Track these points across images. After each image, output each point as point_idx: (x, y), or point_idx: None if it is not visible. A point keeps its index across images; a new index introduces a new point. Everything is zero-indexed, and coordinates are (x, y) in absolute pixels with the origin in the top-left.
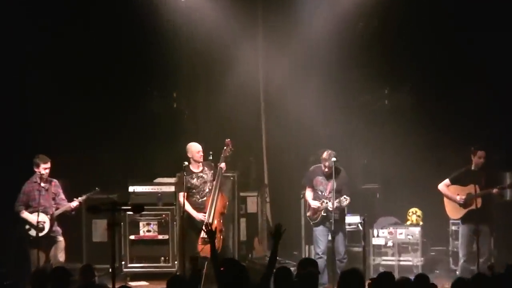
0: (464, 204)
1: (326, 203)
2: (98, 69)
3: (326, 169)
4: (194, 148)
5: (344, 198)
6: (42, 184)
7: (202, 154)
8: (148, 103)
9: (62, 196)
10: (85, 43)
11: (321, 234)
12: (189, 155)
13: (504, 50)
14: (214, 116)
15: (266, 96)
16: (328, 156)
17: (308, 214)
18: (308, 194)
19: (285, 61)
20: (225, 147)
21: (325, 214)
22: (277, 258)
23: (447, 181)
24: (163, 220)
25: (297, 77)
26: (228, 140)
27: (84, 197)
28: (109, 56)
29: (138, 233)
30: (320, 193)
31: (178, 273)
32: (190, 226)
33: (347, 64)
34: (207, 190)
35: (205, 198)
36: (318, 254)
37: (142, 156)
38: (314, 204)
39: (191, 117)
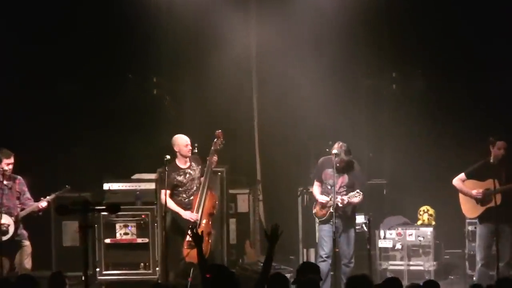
0: (482, 201)
1: (336, 198)
2: (69, 53)
3: (338, 164)
4: (181, 141)
5: (357, 192)
6: (5, 182)
7: (191, 148)
8: (125, 89)
9: (28, 195)
10: (54, 25)
11: (326, 235)
12: (176, 148)
13: None
14: (200, 103)
15: (259, 82)
16: (339, 150)
17: (314, 210)
18: (316, 189)
19: (280, 42)
20: (215, 139)
21: (333, 211)
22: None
23: (462, 175)
24: (142, 222)
25: (294, 60)
26: (219, 131)
27: (53, 196)
28: (81, 39)
29: (114, 236)
30: (329, 187)
31: (160, 281)
32: (174, 227)
33: (349, 44)
34: (194, 188)
35: (192, 198)
36: (322, 257)
37: (118, 150)
38: (322, 198)
39: (173, 105)
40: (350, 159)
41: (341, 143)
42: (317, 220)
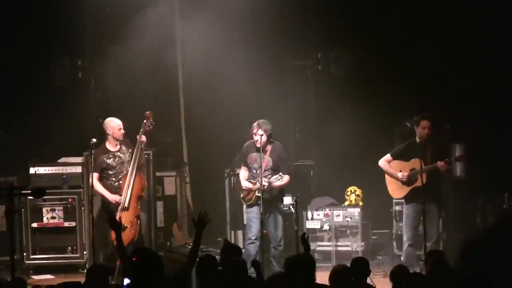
0: (407, 182)
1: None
2: None
3: (258, 144)
4: (114, 124)
5: (280, 175)
6: None
7: (123, 132)
8: (49, 72)
9: None
10: None
11: (254, 216)
12: (108, 131)
13: (455, 8)
14: (126, 86)
15: (184, 64)
16: (256, 126)
17: (241, 195)
18: (242, 173)
19: (205, 25)
20: (144, 121)
21: (259, 194)
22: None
23: (388, 156)
24: (69, 205)
25: (220, 43)
26: (148, 112)
27: None
28: (2, 22)
29: (41, 221)
30: (255, 171)
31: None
32: (103, 210)
33: (275, 26)
34: (124, 171)
35: (122, 182)
36: (250, 239)
37: (44, 133)
38: (245, 185)
39: (99, 88)
40: (272, 140)
41: (261, 120)
42: (244, 203)
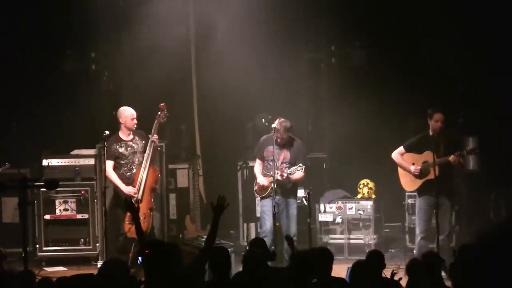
0: (420, 175)
1: (277, 174)
2: (4, 29)
3: (279, 140)
4: (128, 113)
5: (299, 166)
6: None
7: (136, 122)
8: (63, 64)
9: None
10: None
11: (268, 210)
12: (121, 120)
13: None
14: (139, 78)
15: (197, 55)
16: (279, 126)
17: (255, 188)
18: (257, 167)
19: (219, 18)
20: (159, 112)
21: (274, 186)
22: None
23: (401, 148)
24: (82, 197)
25: (233, 35)
26: (162, 104)
27: None
28: (17, 15)
29: (54, 213)
30: (271, 164)
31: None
32: (115, 203)
33: (289, 18)
34: (136, 162)
35: (134, 171)
36: (264, 233)
37: (57, 126)
38: (262, 181)
39: (112, 80)
40: (290, 135)
41: (282, 119)
42: (258, 196)
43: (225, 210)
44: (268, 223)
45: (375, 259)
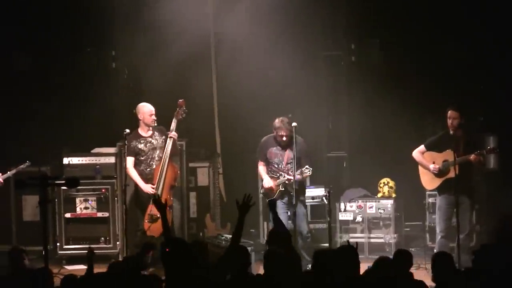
0: (439, 173)
1: (284, 176)
2: (24, 27)
3: (284, 138)
4: (147, 109)
5: (306, 168)
6: None
7: (155, 118)
8: (83, 63)
9: None
10: None
11: (279, 212)
12: (140, 117)
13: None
14: (159, 76)
15: (217, 53)
16: (281, 124)
17: (261, 191)
18: (261, 169)
19: (238, 15)
20: (177, 109)
21: (283, 188)
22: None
23: (422, 147)
24: (102, 196)
25: (252, 32)
26: (181, 100)
27: (13, 171)
28: (37, 12)
29: (74, 211)
30: (276, 166)
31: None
32: (135, 200)
33: (308, 16)
34: (156, 158)
35: (154, 167)
36: None
37: (78, 124)
38: (267, 183)
39: (132, 78)
40: (291, 133)
41: (282, 118)
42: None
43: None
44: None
45: (402, 258)
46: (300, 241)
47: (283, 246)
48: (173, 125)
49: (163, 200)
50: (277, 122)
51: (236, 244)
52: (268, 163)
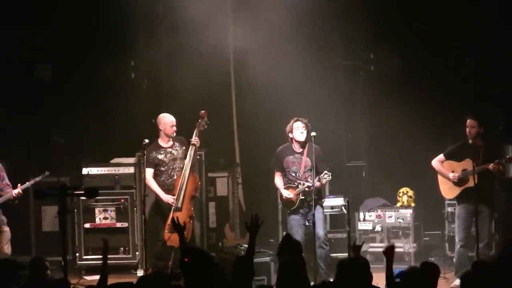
0: (458, 182)
1: (303, 184)
2: (45, 37)
3: (302, 131)
4: (167, 120)
5: (325, 174)
6: None
7: (176, 129)
8: (102, 72)
9: (7, 180)
10: (29, 7)
11: (296, 224)
12: (161, 127)
13: (504, 6)
14: (178, 87)
15: (236, 63)
16: (294, 121)
17: (281, 202)
18: (278, 180)
19: (257, 25)
20: (199, 120)
21: (303, 197)
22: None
23: (441, 156)
24: (121, 206)
25: (271, 42)
26: (203, 111)
27: (32, 181)
28: (57, 22)
29: (94, 221)
30: (293, 174)
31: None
32: (156, 210)
33: (327, 27)
34: (177, 168)
35: (175, 177)
36: None
37: (97, 134)
38: (286, 194)
39: (152, 88)
40: (307, 140)
41: (292, 122)
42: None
43: (264, 219)
44: (298, 237)
45: (430, 270)
46: (318, 250)
47: (293, 254)
48: (195, 135)
49: (182, 214)
50: (291, 121)
51: (248, 264)
52: (285, 173)
